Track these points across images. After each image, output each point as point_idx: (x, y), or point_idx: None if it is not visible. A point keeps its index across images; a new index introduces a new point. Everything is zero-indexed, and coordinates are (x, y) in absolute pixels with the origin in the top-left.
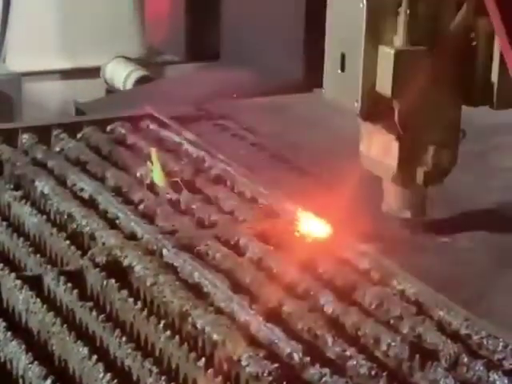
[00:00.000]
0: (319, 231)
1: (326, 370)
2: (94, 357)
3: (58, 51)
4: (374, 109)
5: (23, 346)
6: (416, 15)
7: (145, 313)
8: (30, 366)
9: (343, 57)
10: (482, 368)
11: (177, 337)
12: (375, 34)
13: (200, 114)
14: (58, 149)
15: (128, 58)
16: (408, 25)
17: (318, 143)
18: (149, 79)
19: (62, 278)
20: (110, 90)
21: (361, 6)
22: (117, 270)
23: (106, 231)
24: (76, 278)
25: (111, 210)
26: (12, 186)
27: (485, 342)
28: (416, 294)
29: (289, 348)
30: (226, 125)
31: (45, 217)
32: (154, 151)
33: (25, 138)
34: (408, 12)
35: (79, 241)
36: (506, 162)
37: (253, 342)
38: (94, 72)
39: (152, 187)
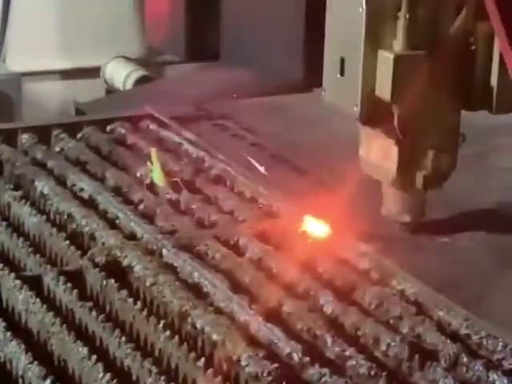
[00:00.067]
0: (319, 231)
1: (326, 370)
2: (94, 357)
3: (58, 51)
4: (374, 113)
5: (23, 346)
6: (415, 20)
7: (144, 313)
8: (29, 365)
9: (342, 61)
10: (481, 368)
11: (176, 337)
12: (374, 39)
13: (200, 114)
14: (57, 149)
15: (128, 58)
16: (407, 29)
17: (318, 143)
18: (149, 79)
19: (62, 278)
20: (110, 90)
21: (360, 10)
22: (116, 270)
23: (106, 231)
24: (76, 278)
25: (111, 210)
26: (12, 186)
27: (484, 342)
28: (416, 294)
29: (288, 348)
30: (225, 125)
31: (44, 217)
32: (153, 151)
33: (25, 138)
34: (407, 16)
35: (79, 241)
36: (506, 163)
37: (252, 342)
38: (93, 72)
39: (152, 187)
